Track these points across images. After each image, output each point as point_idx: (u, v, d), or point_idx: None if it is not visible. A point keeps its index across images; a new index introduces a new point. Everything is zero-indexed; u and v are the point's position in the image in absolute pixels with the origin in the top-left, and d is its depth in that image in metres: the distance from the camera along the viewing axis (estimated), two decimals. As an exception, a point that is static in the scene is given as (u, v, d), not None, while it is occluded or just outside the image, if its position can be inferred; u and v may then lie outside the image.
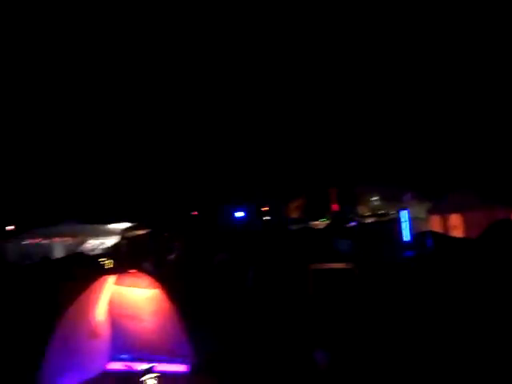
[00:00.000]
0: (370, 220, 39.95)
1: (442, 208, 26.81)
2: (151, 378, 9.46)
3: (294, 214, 52.56)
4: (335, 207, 49.48)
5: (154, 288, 10.12)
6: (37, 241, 27.65)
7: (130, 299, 10.24)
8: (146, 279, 10.20)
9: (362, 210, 50.14)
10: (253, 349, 10.29)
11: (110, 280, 10.27)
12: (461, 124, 45.66)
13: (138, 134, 51.49)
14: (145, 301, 10.20)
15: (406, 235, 20.02)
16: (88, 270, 13.91)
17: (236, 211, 47.85)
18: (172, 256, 22.59)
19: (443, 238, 18.67)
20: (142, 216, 35.72)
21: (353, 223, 36.79)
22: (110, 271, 11.50)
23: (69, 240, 27.62)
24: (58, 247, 27.18)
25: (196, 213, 46.27)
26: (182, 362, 10.03)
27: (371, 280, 11.96)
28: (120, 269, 10.38)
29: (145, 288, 10.18)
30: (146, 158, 50.39)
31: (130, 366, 9.84)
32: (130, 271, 10.22)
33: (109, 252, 24.45)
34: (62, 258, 22.05)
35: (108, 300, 10.39)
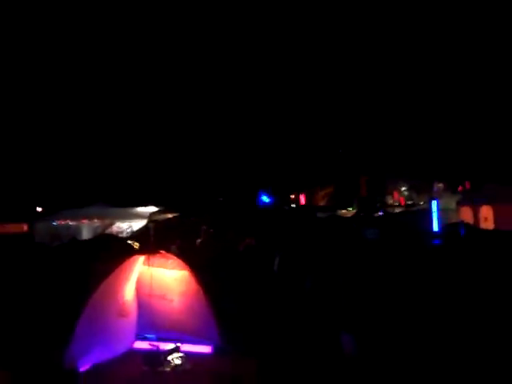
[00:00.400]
0: (398, 210, 39.66)
1: (472, 200, 26.45)
2: (177, 357, 9.56)
3: (322, 202, 52.48)
4: (363, 197, 49.19)
5: (183, 269, 10.18)
6: (65, 222, 28.04)
7: (159, 280, 10.31)
8: (174, 260, 10.26)
9: (391, 200, 49.85)
10: (278, 333, 10.29)
11: (139, 260, 10.34)
12: (492, 118, 45.00)
13: (168, 120, 51.70)
14: (173, 282, 10.27)
15: (435, 225, 19.86)
16: (117, 250, 14.01)
17: (263, 198, 47.83)
18: (199, 240, 22.65)
19: (474, 230, 18.45)
20: (169, 200, 35.92)
21: (380, 213, 36.63)
22: (139, 251, 11.58)
23: (97, 222, 27.97)
24: (86, 229, 27.57)
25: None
26: (207, 344, 10.09)
27: (399, 265, 11.87)
28: (149, 249, 10.43)
29: (173, 269, 10.25)
30: (175, 144, 50.59)
31: (156, 345, 9.92)
32: (160, 252, 10.28)
33: (136, 235, 24.65)
34: (91, 240, 22.28)
35: (136, 280, 10.47)
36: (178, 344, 9.73)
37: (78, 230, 27.24)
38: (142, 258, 10.35)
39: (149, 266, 10.31)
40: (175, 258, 10.36)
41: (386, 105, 51.69)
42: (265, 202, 45.18)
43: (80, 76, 51.70)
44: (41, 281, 11.68)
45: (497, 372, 7.91)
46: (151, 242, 11.03)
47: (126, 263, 10.02)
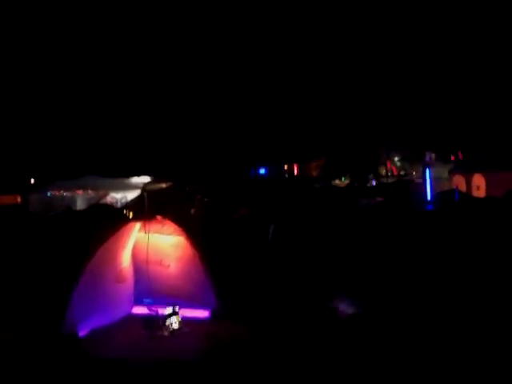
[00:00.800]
0: (391, 180, 39.89)
1: (464, 168, 26.66)
2: (175, 321, 9.69)
3: (314, 173, 52.51)
4: (357, 167, 49.21)
5: (179, 235, 10.26)
6: (59, 193, 28.03)
7: (155, 246, 10.38)
8: (170, 226, 10.32)
9: (384, 170, 49.96)
10: (274, 298, 10.43)
11: (136, 227, 10.41)
12: (485, 88, 44.95)
13: (163, 92, 51.37)
14: (169, 247, 10.37)
15: (428, 193, 19.98)
16: (113, 218, 14.09)
17: (258, 169, 47.82)
18: (193, 210, 22.72)
19: (467, 197, 18.63)
20: (163, 170, 35.90)
21: (373, 183, 36.92)
22: (136, 218, 11.61)
23: (91, 193, 27.98)
24: (80, 200, 27.58)
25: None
26: (203, 308, 10.22)
27: (394, 230, 11.98)
28: (146, 216, 10.48)
29: (170, 235, 10.33)
30: (169, 115, 50.32)
31: (154, 310, 10.05)
32: (156, 218, 10.33)
33: (130, 205, 24.69)
34: (85, 210, 22.32)
35: (133, 246, 10.55)
36: (176, 309, 9.84)
37: (72, 200, 27.25)
38: (138, 225, 10.42)
39: (145, 232, 10.37)
40: (172, 223, 10.41)
41: (378, 76, 51.48)
42: (260, 173, 45.21)
43: (71, 47, 51.14)
44: (39, 248, 11.73)
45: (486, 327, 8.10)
46: (146, 211, 11.05)
47: (123, 230, 10.09)
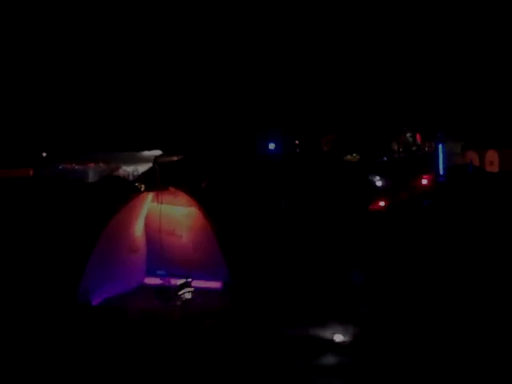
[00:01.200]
0: (402, 155, 39.78)
1: (477, 144, 26.49)
2: (187, 292, 9.73)
3: (326, 149, 52.30)
4: (368, 143, 48.98)
5: (191, 206, 10.26)
6: (71, 166, 28.15)
7: (168, 216, 10.37)
8: (183, 197, 10.32)
9: (395, 146, 49.75)
10: (287, 269, 10.47)
11: (148, 197, 10.42)
12: (499, 66, 44.33)
13: (170, 65, 51.02)
14: (182, 218, 10.37)
15: (440, 168, 19.94)
16: (125, 189, 14.10)
17: (269, 143, 47.54)
18: (204, 183, 22.65)
19: (481, 170, 18.59)
20: (174, 143, 35.82)
21: (385, 158, 36.86)
22: (148, 189, 11.62)
23: (102, 166, 28.07)
24: (92, 173, 27.66)
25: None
26: (216, 279, 10.25)
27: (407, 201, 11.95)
28: (158, 187, 10.47)
29: (182, 206, 10.33)
30: (181, 90, 50.05)
31: (166, 281, 10.09)
32: (169, 189, 10.32)
33: (142, 178, 24.74)
34: (98, 182, 22.38)
35: (146, 216, 10.57)
36: (189, 279, 9.87)
37: (84, 173, 27.35)
38: (150, 196, 10.43)
39: (158, 203, 10.38)
40: (184, 194, 10.40)
41: (388, 53, 50.81)
42: (271, 150, 44.95)
43: (79, 25, 50.76)
44: (53, 219, 11.80)
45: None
46: (158, 184, 11.05)
47: (136, 200, 10.10)
